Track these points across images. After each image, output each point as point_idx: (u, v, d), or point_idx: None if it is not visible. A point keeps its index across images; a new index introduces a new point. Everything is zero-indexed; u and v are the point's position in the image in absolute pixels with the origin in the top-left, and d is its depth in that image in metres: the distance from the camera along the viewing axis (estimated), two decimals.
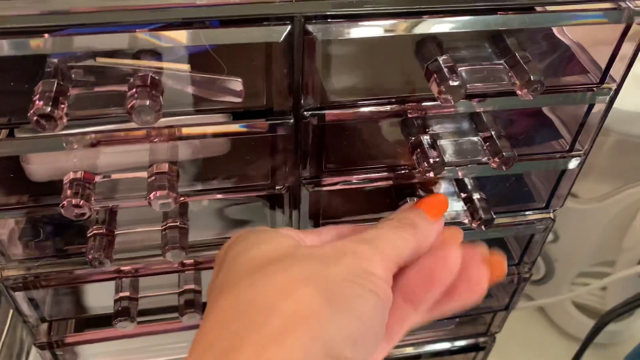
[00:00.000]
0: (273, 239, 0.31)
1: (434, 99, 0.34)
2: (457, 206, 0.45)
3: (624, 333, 0.86)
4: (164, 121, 0.34)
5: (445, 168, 0.40)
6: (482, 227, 0.42)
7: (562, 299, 0.84)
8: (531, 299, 0.88)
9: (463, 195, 0.44)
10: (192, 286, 0.45)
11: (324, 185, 0.40)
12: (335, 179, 0.40)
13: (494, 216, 0.43)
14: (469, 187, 0.44)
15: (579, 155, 0.43)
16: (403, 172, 0.41)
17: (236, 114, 0.36)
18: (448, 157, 0.40)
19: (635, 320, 0.86)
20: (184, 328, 0.49)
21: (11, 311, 0.61)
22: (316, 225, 0.43)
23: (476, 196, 0.43)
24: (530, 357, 0.87)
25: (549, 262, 0.83)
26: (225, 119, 0.36)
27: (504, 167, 0.38)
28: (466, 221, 0.44)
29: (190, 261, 0.45)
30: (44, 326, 0.48)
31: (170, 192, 0.34)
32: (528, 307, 0.89)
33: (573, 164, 0.44)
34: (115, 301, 0.44)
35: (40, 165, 0.36)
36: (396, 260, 0.32)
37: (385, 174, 0.41)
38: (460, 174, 0.42)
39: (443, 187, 0.45)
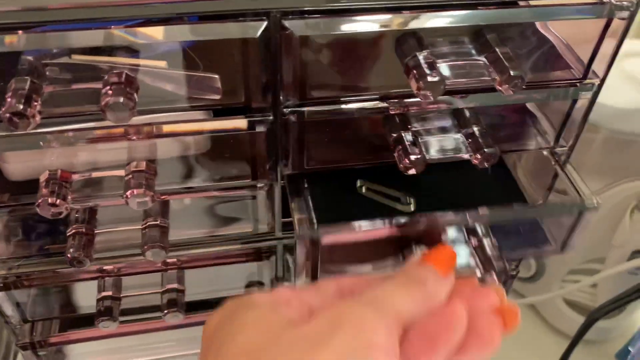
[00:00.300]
0: (261, 320, 0.28)
1: (415, 96, 0.34)
2: (465, 254, 0.43)
3: (614, 330, 0.86)
4: (141, 119, 0.34)
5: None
6: (496, 278, 0.41)
7: (553, 296, 0.84)
8: (522, 296, 0.88)
9: (474, 242, 0.43)
10: (175, 285, 0.44)
11: None
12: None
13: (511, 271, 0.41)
14: (480, 233, 0.43)
15: (563, 151, 0.43)
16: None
17: (216, 111, 0.35)
18: (431, 153, 0.40)
19: (626, 317, 0.85)
20: (168, 327, 0.48)
21: None
22: None
23: (487, 242, 0.42)
24: (520, 353, 0.87)
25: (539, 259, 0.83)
26: (204, 116, 0.35)
27: (485, 164, 0.38)
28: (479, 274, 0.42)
29: (174, 260, 0.44)
30: (27, 326, 0.48)
31: (147, 191, 0.34)
32: (519, 304, 0.89)
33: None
34: (98, 301, 0.44)
35: (17, 164, 0.36)
36: (403, 322, 0.28)
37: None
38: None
39: (450, 234, 0.43)
